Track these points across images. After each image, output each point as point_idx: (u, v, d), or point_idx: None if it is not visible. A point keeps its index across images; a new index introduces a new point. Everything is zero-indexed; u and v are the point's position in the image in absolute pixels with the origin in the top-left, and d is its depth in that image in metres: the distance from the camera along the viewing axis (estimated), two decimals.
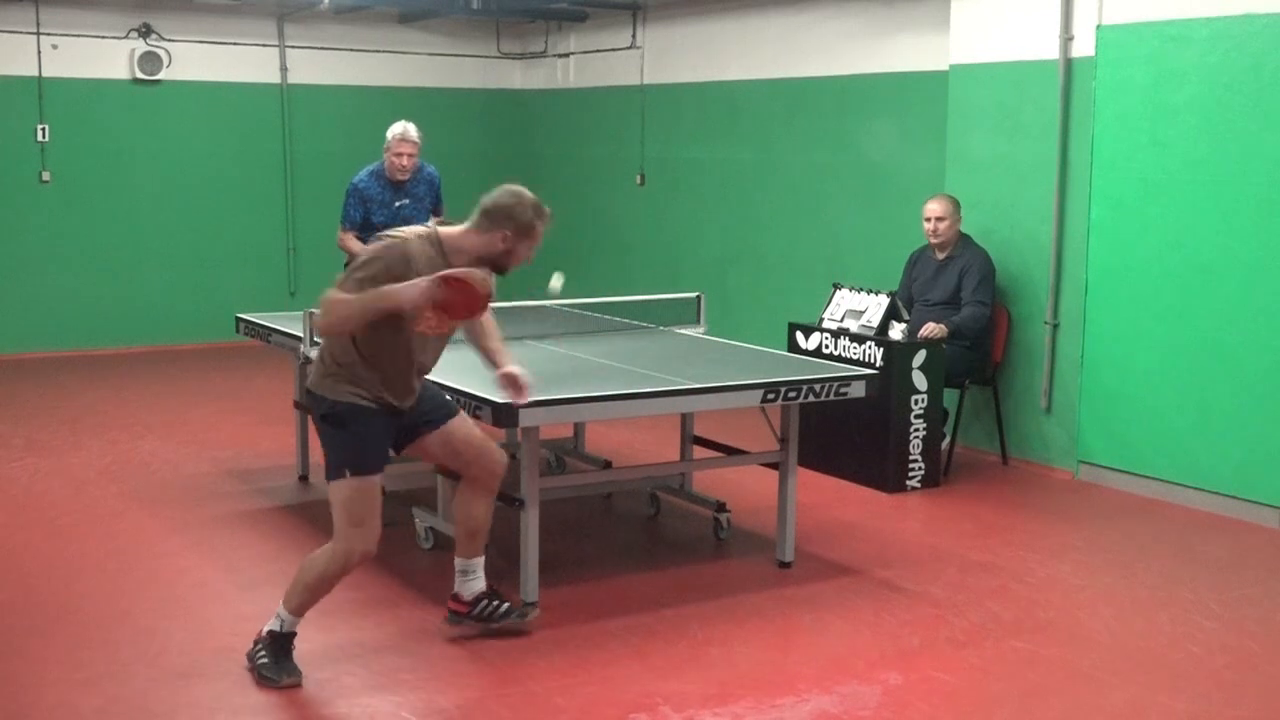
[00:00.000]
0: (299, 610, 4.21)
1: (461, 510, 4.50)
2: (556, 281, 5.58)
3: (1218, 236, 6.25)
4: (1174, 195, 6.43)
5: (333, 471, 4.15)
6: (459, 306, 3.96)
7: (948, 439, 7.04)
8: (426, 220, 7.37)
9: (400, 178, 7.14)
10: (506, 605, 4.57)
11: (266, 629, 4.23)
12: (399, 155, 7.08)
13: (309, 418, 6.73)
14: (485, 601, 4.56)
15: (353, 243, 7.18)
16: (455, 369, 5.19)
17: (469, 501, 4.48)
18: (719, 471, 6.38)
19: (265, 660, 4.20)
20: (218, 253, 10.82)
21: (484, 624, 4.56)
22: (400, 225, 7.15)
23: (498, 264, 4.21)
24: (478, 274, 3.99)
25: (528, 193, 4.22)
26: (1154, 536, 6.01)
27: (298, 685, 4.15)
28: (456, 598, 4.58)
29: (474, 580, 4.56)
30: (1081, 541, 5.90)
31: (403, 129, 7.07)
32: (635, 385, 4.96)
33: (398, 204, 7.21)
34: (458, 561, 4.56)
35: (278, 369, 8.92)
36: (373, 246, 4.13)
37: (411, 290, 3.91)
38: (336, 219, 7.38)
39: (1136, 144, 6.57)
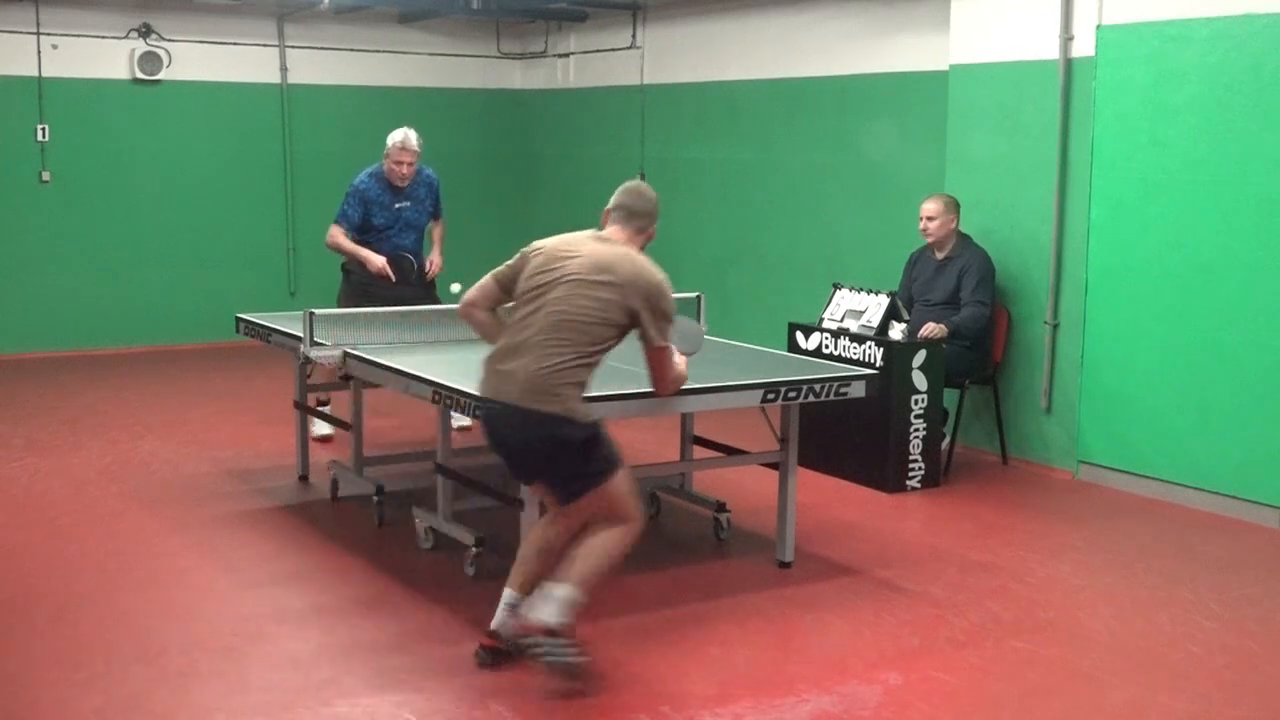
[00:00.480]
0: (583, 583, 4.20)
1: (539, 533, 4.40)
2: (456, 288, 6.11)
3: (1218, 236, 6.25)
4: (1174, 195, 6.43)
5: (606, 473, 4.25)
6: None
7: (948, 439, 7.04)
8: (425, 222, 7.42)
9: (400, 185, 7.18)
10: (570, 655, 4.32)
11: (559, 621, 4.09)
12: (399, 164, 7.12)
13: (306, 419, 6.73)
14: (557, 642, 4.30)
15: (344, 241, 7.18)
16: (458, 371, 5.20)
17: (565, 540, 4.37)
18: (719, 471, 6.38)
19: (568, 651, 4.13)
20: (218, 253, 10.82)
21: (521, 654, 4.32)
22: (400, 227, 7.28)
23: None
24: None
25: (643, 184, 4.58)
26: (1154, 536, 6.01)
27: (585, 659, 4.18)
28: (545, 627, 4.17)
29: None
30: (1081, 541, 5.90)
31: (403, 137, 7.10)
32: (635, 385, 4.95)
33: (398, 205, 7.25)
34: (511, 594, 4.29)
35: (278, 369, 8.92)
36: (668, 288, 4.31)
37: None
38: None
39: (1136, 144, 6.57)
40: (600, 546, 4.22)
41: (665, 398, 4.64)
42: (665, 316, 4.31)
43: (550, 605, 4.09)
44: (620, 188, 4.48)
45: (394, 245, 7.26)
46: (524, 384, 4.16)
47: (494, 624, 4.31)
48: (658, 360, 4.41)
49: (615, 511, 4.27)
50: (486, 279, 4.51)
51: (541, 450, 4.23)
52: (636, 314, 4.23)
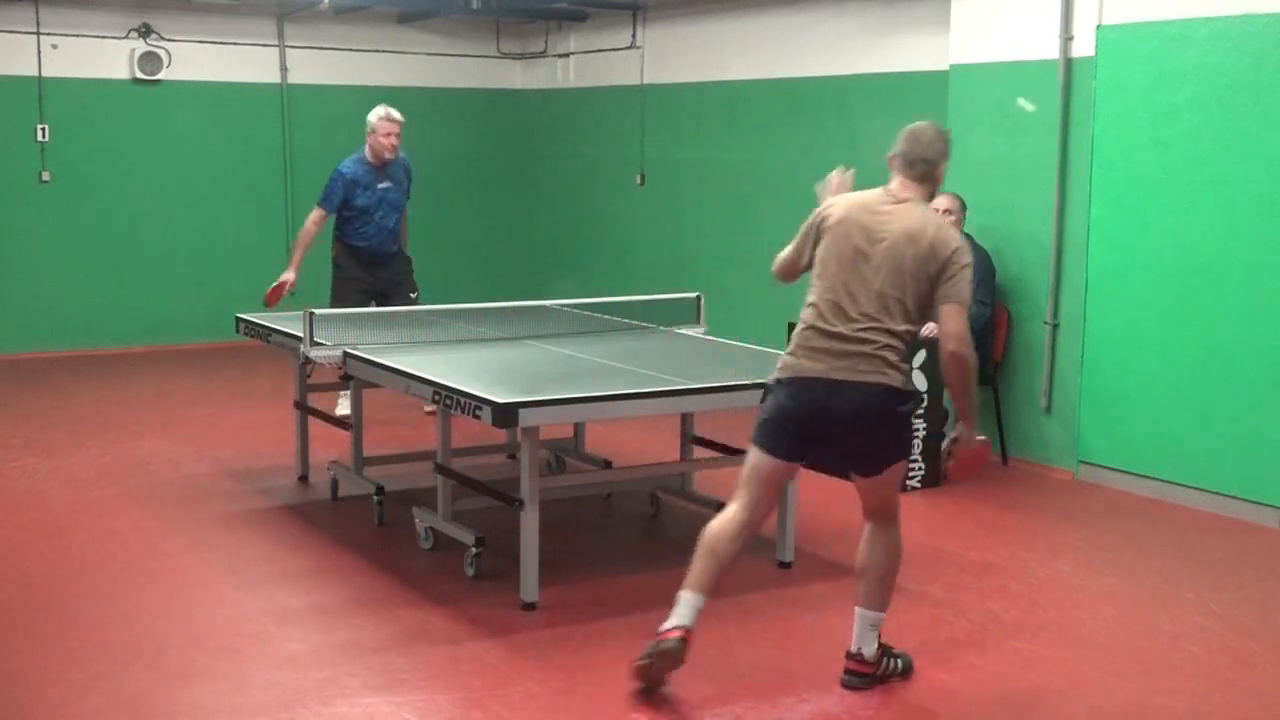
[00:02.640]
0: (885, 605, 4.20)
1: (738, 548, 4.19)
2: (1028, 104, 6.20)
3: (1218, 236, 6.25)
4: (1174, 195, 6.43)
5: (900, 457, 4.17)
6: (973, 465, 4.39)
7: (948, 439, 7.03)
8: (405, 203, 7.80)
9: (388, 157, 7.63)
10: (901, 662, 4.29)
11: (871, 652, 4.19)
12: (387, 136, 7.59)
13: (306, 419, 6.73)
14: (886, 662, 4.25)
15: (305, 237, 7.73)
16: (458, 369, 5.20)
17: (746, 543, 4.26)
18: (719, 471, 6.36)
19: (895, 666, 4.25)
20: (218, 253, 10.81)
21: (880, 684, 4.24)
22: (384, 207, 7.65)
23: (932, 199, 4.27)
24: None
25: (925, 125, 4.24)
26: (1154, 536, 6.01)
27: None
28: (859, 658, 4.20)
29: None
30: (1081, 541, 5.90)
31: (386, 110, 7.62)
32: (635, 385, 4.96)
33: (381, 185, 7.67)
34: (696, 598, 4.10)
35: (278, 369, 8.92)
36: (968, 250, 4.07)
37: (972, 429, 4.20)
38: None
39: (1136, 144, 6.57)
40: (880, 564, 4.22)
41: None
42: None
43: (868, 637, 4.20)
44: (903, 131, 4.21)
45: (378, 226, 7.74)
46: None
47: (689, 622, 4.07)
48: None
49: (887, 505, 4.24)
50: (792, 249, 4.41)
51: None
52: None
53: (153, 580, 5.21)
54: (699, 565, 4.14)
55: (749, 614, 4.88)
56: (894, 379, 4.02)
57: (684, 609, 4.08)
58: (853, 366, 4.02)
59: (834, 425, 4.07)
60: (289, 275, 7.69)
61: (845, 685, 4.20)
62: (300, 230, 7.80)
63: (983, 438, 4.30)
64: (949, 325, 4.00)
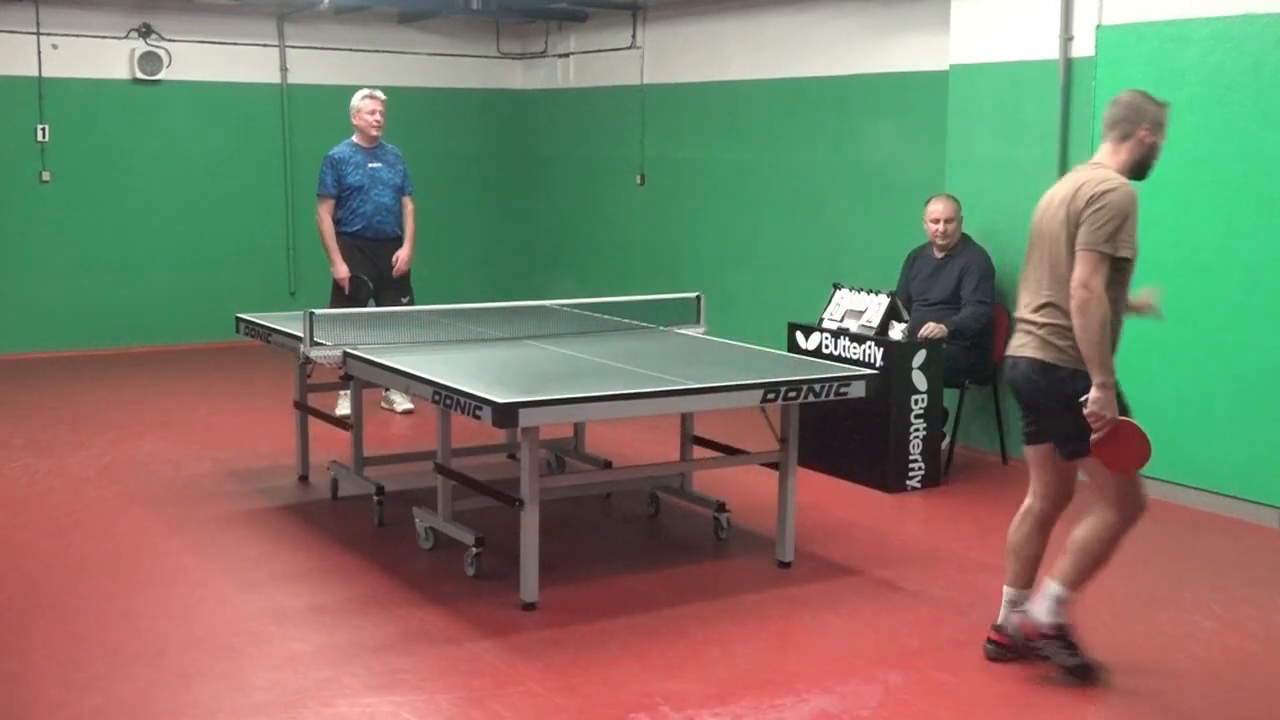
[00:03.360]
0: (1070, 582, 4.24)
1: (1024, 535, 4.41)
2: None
3: (1218, 236, 6.25)
4: (1174, 195, 6.42)
5: (1074, 441, 4.16)
6: (1119, 456, 4.12)
7: (948, 439, 7.03)
8: (399, 183, 7.97)
9: (374, 133, 7.83)
10: (1073, 659, 4.33)
11: (1045, 621, 4.22)
12: (372, 113, 7.84)
13: (306, 419, 6.73)
14: (1058, 644, 4.31)
15: (327, 228, 7.82)
16: (458, 369, 5.20)
17: (1039, 530, 4.42)
18: (719, 471, 6.38)
19: (1066, 654, 4.26)
20: (218, 253, 10.82)
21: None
22: (376, 185, 7.78)
23: (1145, 165, 4.23)
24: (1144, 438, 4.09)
25: (1127, 90, 4.26)
26: (1154, 536, 6.00)
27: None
28: (1033, 619, 4.33)
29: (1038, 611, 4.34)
30: None
31: (368, 90, 7.93)
32: (635, 385, 4.96)
33: (371, 165, 7.84)
34: (1007, 591, 4.43)
35: (278, 369, 8.92)
36: (1111, 193, 3.97)
37: (1111, 404, 4.10)
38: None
39: None
40: (1083, 541, 4.24)
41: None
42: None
43: (1043, 605, 4.24)
44: None
45: (375, 204, 7.87)
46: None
47: (999, 620, 4.45)
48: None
49: (1104, 494, 4.22)
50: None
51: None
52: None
53: (153, 580, 5.21)
54: (1008, 564, 4.44)
55: (749, 614, 4.89)
56: (1045, 353, 4.14)
57: (1003, 606, 4.45)
58: (1022, 344, 4.21)
59: (1019, 400, 4.31)
60: (342, 272, 7.77)
61: (993, 641, 4.41)
62: (319, 230, 7.87)
63: (1129, 420, 4.15)
64: (1075, 271, 4.02)
